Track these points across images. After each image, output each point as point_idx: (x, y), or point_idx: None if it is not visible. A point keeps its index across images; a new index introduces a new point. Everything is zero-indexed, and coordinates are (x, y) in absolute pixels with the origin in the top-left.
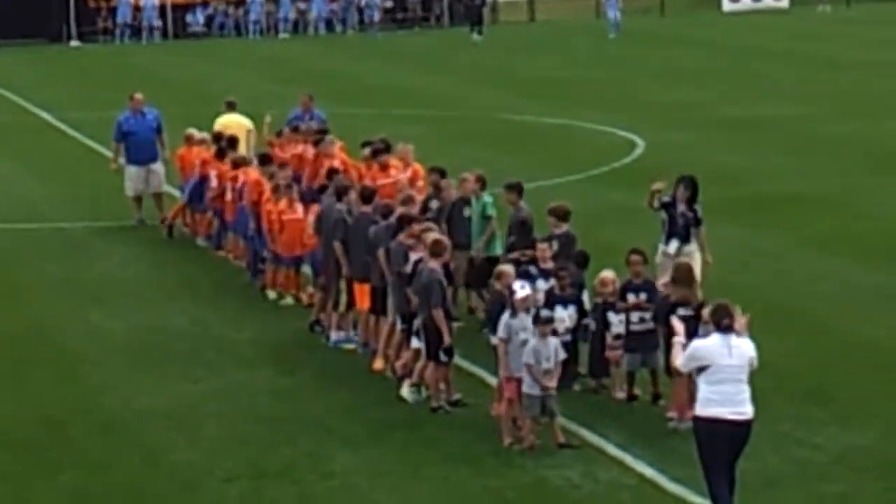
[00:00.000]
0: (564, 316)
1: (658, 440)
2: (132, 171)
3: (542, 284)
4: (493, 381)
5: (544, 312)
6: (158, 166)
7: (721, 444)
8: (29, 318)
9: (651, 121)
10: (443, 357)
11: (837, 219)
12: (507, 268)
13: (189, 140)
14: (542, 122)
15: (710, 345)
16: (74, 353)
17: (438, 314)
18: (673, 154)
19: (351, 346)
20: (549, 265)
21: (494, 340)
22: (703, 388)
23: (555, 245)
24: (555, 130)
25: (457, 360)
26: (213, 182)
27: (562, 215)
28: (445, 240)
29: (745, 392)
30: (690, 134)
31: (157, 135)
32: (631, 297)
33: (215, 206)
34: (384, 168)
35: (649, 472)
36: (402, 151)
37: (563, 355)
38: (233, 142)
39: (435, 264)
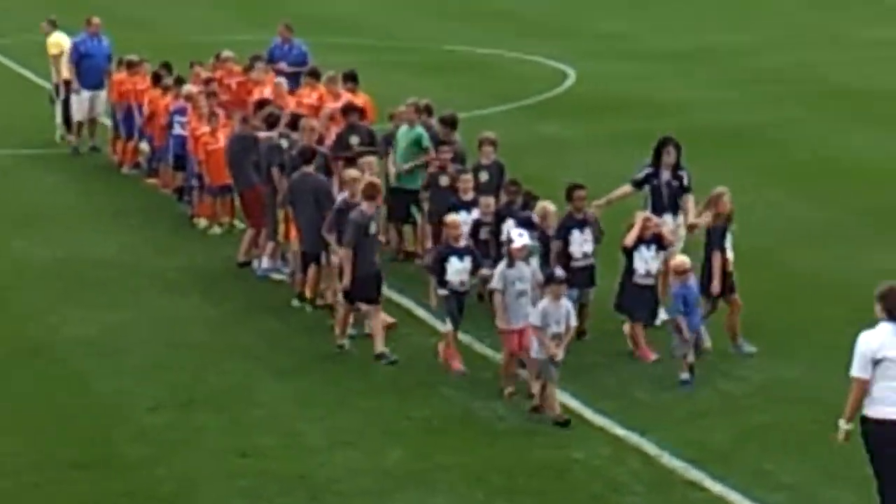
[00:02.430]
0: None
1: (583, 374)
2: (83, 96)
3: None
4: (420, 312)
5: (558, 272)
6: (104, 94)
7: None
8: None
9: (583, 52)
10: (340, 298)
11: (775, 151)
12: (456, 218)
13: (126, 65)
14: (474, 52)
15: (881, 336)
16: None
17: (345, 254)
18: (603, 85)
19: (279, 277)
20: (471, 196)
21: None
22: (875, 386)
23: (484, 175)
24: (486, 60)
25: (386, 291)
26: (146, 109)
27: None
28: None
29: None
30: (621, 64)
31: (108, 62)
32: (576, 234)
33: (148, 134)
34: (312, 89)
35: (574, 403)
36: (329, 81)
37: (574, 321)
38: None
39: (365, 205)
